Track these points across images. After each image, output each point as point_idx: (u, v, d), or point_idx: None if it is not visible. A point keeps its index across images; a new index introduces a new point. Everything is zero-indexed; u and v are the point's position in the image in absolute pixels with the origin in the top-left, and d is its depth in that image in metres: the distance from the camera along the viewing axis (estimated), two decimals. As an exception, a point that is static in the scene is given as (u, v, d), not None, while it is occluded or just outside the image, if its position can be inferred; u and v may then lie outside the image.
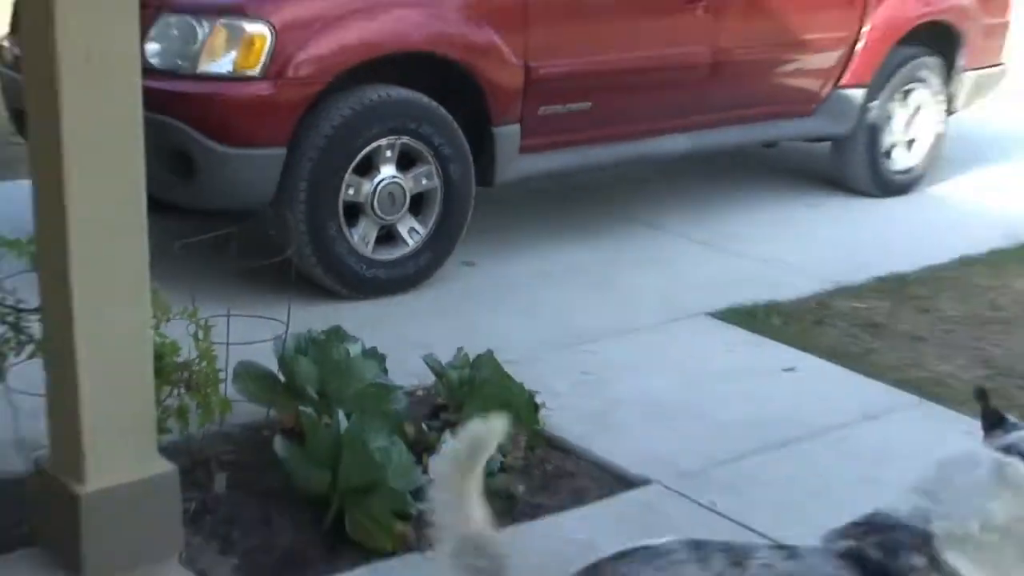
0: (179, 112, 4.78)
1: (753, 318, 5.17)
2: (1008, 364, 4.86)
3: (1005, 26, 7.84)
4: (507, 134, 5.49)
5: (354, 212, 5.14)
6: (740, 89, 6.46)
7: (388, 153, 5.11)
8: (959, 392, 4.49)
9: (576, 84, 5.73)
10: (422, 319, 5.00)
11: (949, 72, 7.38)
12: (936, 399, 4.46)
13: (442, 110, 5.24)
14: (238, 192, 4.95)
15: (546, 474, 3.76)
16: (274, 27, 4.78)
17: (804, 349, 4.87)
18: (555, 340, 4.83)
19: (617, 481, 3.76)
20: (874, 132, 7.02)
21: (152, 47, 4.81)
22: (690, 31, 6.09)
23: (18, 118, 5.30)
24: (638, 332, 4.99)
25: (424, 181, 5.23)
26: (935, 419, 4.32)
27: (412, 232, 5.26)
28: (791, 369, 4.67)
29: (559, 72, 5.61)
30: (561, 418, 4.01)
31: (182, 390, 3.36)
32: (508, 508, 3.47)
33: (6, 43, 5.43)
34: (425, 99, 5.19)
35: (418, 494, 3.26)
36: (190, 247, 3.93)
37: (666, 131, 6.16)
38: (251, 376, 3.67)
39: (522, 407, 3.83)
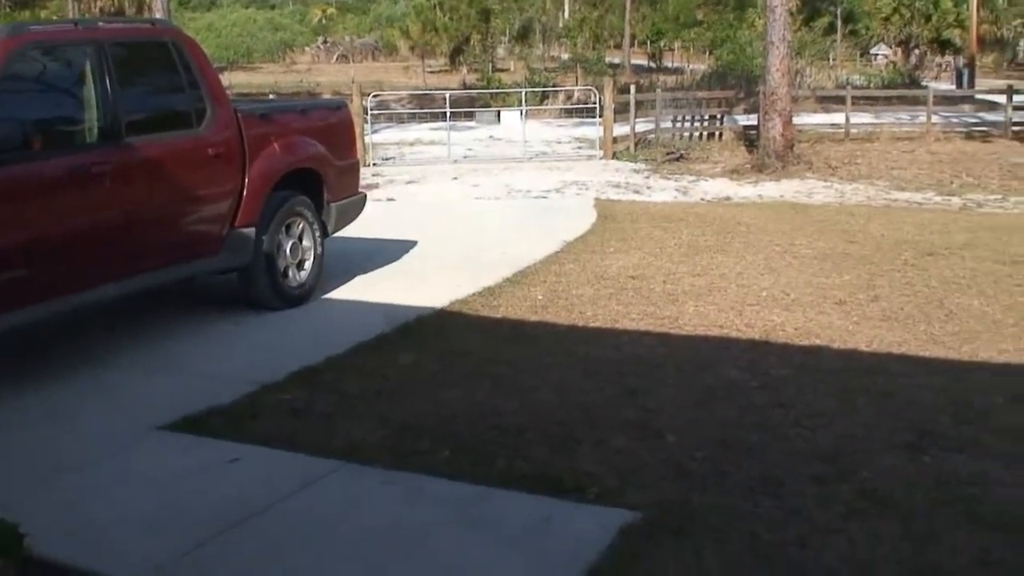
0: None
1: (199, 424, 5.37)
2: (403, 421, 5.37)
3: (355, 165, 8.79)
4: (-48, 306, 5.34)
5: None
6: (153, 241, 6.73)
7: None
8: (371, 451, 4.96)
9: (11, 255, 5.74)
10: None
11: (319, 205, 8.20)
12: (353, 460, 4.86)
13: None
14: None
15: (41, 596, 3.65)
16: None
17: (245, 442, 5.12)
18: (29, 475, 4.80)
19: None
20: (270, 259, 7.58)
21: None
22: (102, 199, 6.30)
23: None
24: (104, 458, 5.02)
25: None
26: (354, 475, 4.73)
27: None
28: (236, 460, 4.91)
29: (-4, 246, 5.60)
30: (49, 544, 3.96)
31: None
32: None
33: None
34: None
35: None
36: None
37: (97, 283, 6.31)
38: None
39: (6, 540, 3.76)
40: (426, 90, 35.54)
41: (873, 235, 11.01)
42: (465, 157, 20.37)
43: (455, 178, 17.29)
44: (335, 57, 72.35)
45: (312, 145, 8.13)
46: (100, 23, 6.85)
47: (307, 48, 75.95)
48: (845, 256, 9.72)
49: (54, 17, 45.27)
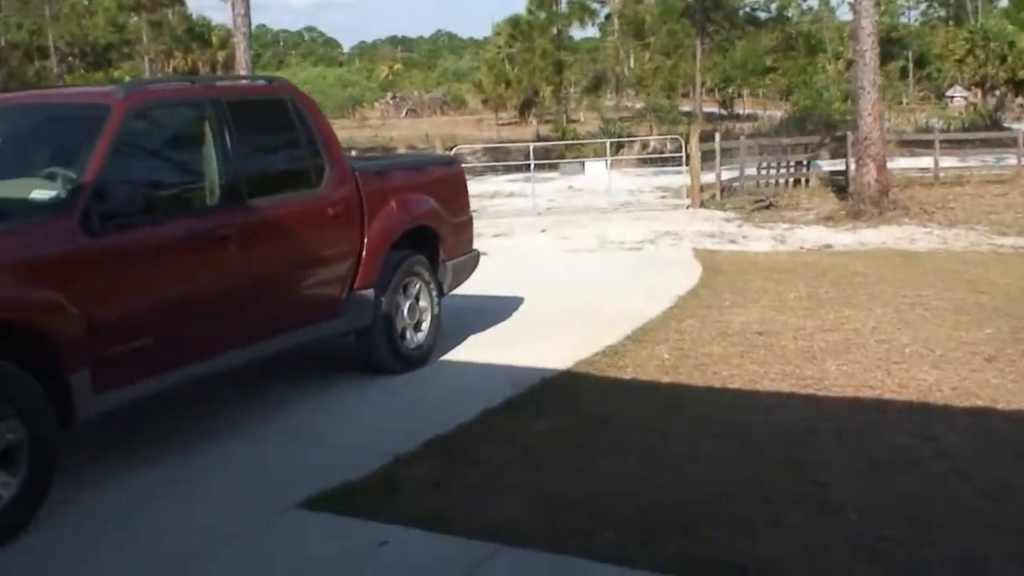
0: None
1: (337, 501, 5.01)
2: (553, 496, 4.99)
3: (469, 221, 8.50)
4: (80, 379, 5.10)
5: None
6: (277, 306, 6.43)
7: (-29, 417, 4.52)
8: (527, 531, 4.58)
9: (136, 324, 5.46)
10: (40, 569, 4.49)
11: (435, 264, 7.87)
12: (510, 542, 4.46)
13: (16, 368, 4.78)
14: None
15: None
16: None
17: (389, 521, 4.75)
18: (169, 564, 4.47)
19: None
20: (388, 321, 7.25)
21: None
22: (226, 264, 6.03)
23: None
24: (240, 541, 4.68)
25: (9, 435, 4.72)
26: (517, 561, 4.32)
27: (5, 485, 4.72)
28: (385, 543, 4.56)
29: (119, 316, 5.35)
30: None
31: None
32: None
33: None
34: (-1, 361, 4.70)
35: None
36: None
37: (221, 351, 6.00)
38: None
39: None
40: (501, 142, 35.43)
41: (998, 284, 10.48)
42: (548, 209, 20.09)
43: (543, 230, 16.98)
44: (404, 112, 72.92)
45: (427, 202, 7.83)
46: (217, 81, 6.62)
47: (376, 103, 76.70)
48: (979, 307, 9.19)
49: (127, 78, 45.85)
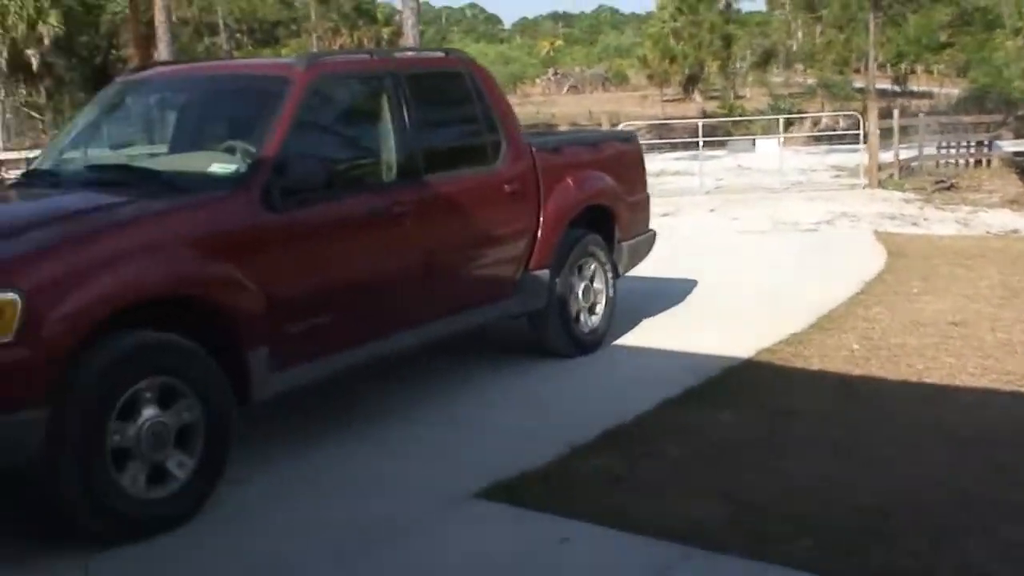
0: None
1: (514, 492, 4.81)
2: (743, 496, 4.69)
3: (646, 200, 8.26)
4: (258, 356, 5.02)
5: (123, 456, 4.46)
6: (451, 285, 6.28)
7: (148, 395, 4.53)
8: (719, 535, 4.28)
9: (314, 302, 5.36)
10: (211, 556, 4.41)
11: (610, 244, 7.61)
12: (699, 546, 4.19)
13: (194, 346, 4.73)
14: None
15: None
16: (24, 292, 4.16)
17: (569, 516, 4.52)
18: (344, 550, 4.35)
19: None
20: (563, 303, 7.04)
21: None
22: (403, 241, 5.87)
23: None
24: (417, 530, 4.53)
25: (186, 415, 4.66)
26: (712, 566, 4.05)
27: (181, 465, 4.66)
28: (566, 540, 4.34)
29: (297, 294, 5.26)
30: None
31: None
32: None
33: None
34: (177, 338, 4.68)
35: None
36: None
37: (397, 330, 5.88)
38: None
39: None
40: (666, 119, 34.81)
41: None
42: (716, 188, 19.55)
43: (712, 210, 16.49)
44: (565, 88, 72.56)
45: (604, 179, 7.57)
46: (395, 53, 6.49)
47: (537, 80, 76.58)
48: None
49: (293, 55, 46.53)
